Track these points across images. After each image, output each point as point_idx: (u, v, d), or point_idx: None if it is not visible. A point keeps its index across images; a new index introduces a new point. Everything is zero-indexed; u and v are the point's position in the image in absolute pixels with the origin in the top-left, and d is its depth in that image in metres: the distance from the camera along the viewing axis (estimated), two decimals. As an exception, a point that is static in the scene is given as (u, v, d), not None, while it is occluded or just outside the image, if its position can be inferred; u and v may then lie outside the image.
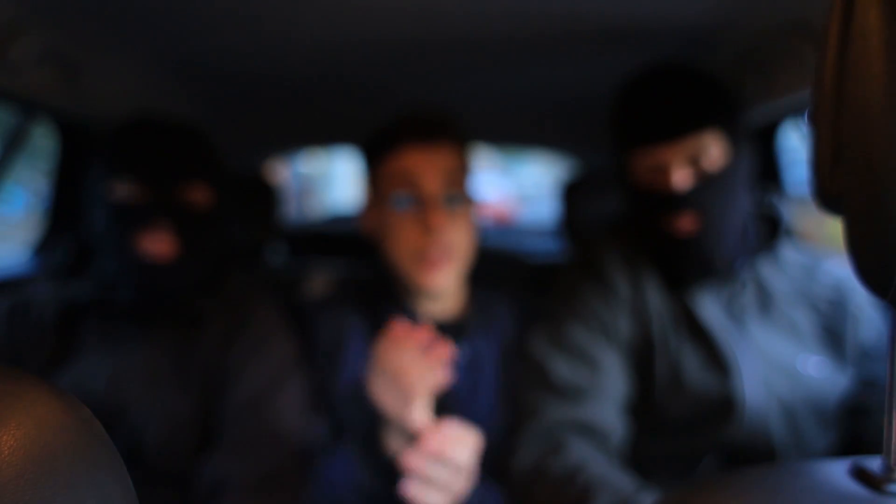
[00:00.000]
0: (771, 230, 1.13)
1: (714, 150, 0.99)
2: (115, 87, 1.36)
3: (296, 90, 1.74)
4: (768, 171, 1.60)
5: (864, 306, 1.09)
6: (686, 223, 1.00)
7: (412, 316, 1.11)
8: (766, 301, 1.09)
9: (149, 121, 1.07)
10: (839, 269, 1.13)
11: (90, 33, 1.18)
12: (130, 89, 1.43)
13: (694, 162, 1.00)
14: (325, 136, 2.39)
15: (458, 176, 1.09)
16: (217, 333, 1.07)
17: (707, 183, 0.99)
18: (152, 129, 1.06)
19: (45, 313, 1.09)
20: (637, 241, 1.14)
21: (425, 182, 1.05)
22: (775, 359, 1.03)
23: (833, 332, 1.07)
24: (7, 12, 0.97)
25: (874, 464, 0.36)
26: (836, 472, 0.36)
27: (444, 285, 1.07)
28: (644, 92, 1.04)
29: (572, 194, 1.64)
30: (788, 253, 1.18)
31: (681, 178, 0.99)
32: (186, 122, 1.10)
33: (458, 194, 1.08)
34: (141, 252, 1.01)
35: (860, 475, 0.36)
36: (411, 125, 1.08)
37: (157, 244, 1.01)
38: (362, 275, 1.42)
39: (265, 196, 1.64)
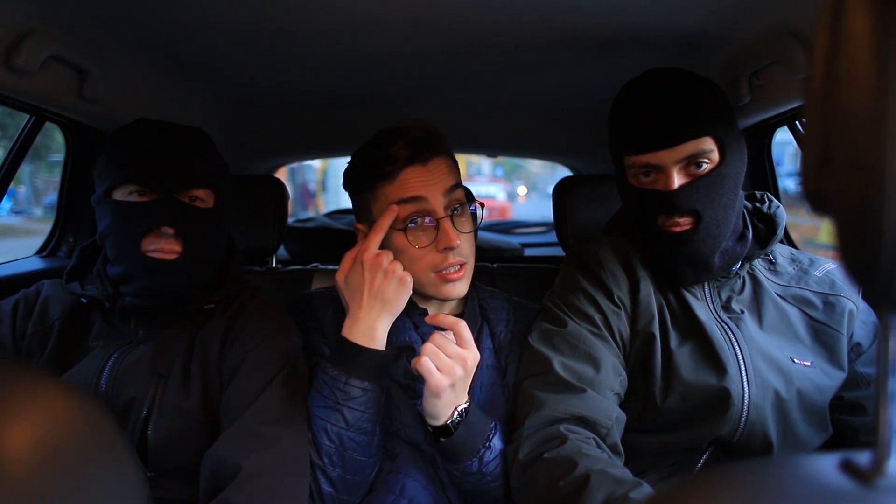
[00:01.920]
0: (767, 230, 1.14)
1: (708, 153, 1.01)
2: (129, 93, 1.36)
3: (304, 100, 1.75)
4: (762, 173, 1.61)
5: (859, 304, 1.10)
6: (682, 222, 1.03)
7: (415, 312, 1.15)
8: (761, 299, 1.10)
9: (152, 123, 1.07)
10: (834, 267, 1.15)
11: (104, 39, 1.19)
12: (145, 96, 1.44)
13: (689, 164, 1.02)
14: (332, 145, 2.40)
15: (456, 186, 1.11)
16: (222, 328, 1.08)
17: (701, 184, 1.01)
18: (156, 131, 1.06)
19: (53, 310, 1.10)
20: (634, 238, 1.16)
21: (434, 202, 1.06)
22: (770, 355, 1.04)
23: (828, 329, 1.08)
24: (18, 16, 0.98)
25: (863, 458, 0.36)
26: (826, 465, 0.36)
27: (463, 292, 1.11)
28: (642, 99, 1.05)
29: (565, 192, 1.64)
30: (784, 252, 1.19)
31: (677, 179, 1.02)
32: (189, 125, 1.11)
33: (458, 204, 1.10)
34: (146, 252, 1.02)
35: (849, 469, 0.36)
36: (407, 150, 1.07)
37: (163, 245, 1.03)
38: None
39: (275, 195, 1.64)
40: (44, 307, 1.11)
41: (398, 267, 1.03)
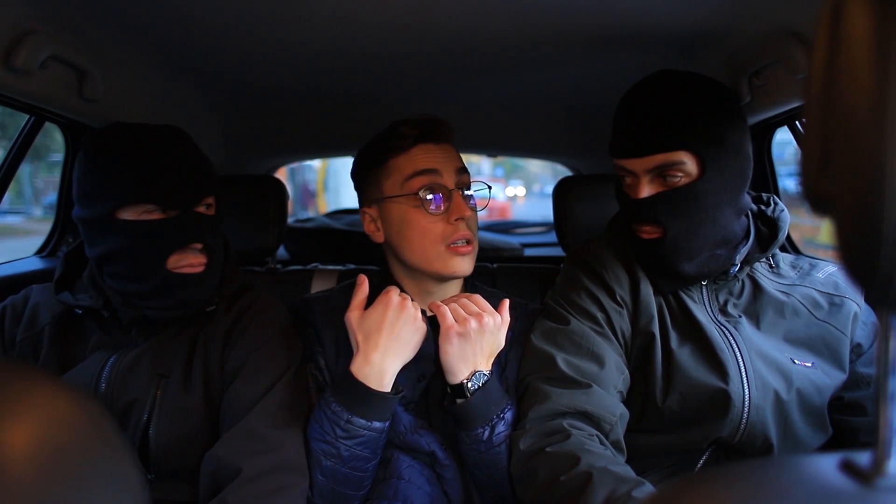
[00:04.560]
0: (770, 233, 1.13)
1: (680, 166, 1.01)
2: (129, 93, 1.36)
3: (303, 100, 1.75)
4: (762, 173, 1.61)
5: (861, 306, 1.10)
6: (648, 230, 1.06)
7: None
8: (760, 301, 1.10)
9: (129, 130, 1.04)
10: (836, 270, 1.14)
11: (104, 39, 1.19)
12: (145, 96, 1.43)
13: (661, 175, 1.02)
14: (332, 145, 2.40)
15: (464, 170, 1.14)
16: (225, 328, 1.08)
17: (668, 196, 1.01)
18: (144, 141, 1.02)
19: (42, 315, 1.09)
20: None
21: (446, 177, 1.10)
22: (770, 357, 1.04)
23: (831, 329, 1.08)
24: (18, 16, 0.98)
25: (863, 458, 0.36)
26: (826, 466, 0.36)
27: (469, 270, 1.13)
28: (631, 103, 1.07)
29: (565, 192, 1.64)
30: (785, 259, 1.19)
31: (646, 188, 1.03)
32: (163, 124, 1.08)
33: (466, 186, 1.14)
34: (175, 269, 1.02)
35: (849, 469, 0.36)
36: (424, 126, 1.12)
37: (191, 259, 1.03)
38: (365, 270, 1.43)
39: (275, 195, 1.64)
40: (33, 313, 1.10)
41: (419, 313, 1.03)
